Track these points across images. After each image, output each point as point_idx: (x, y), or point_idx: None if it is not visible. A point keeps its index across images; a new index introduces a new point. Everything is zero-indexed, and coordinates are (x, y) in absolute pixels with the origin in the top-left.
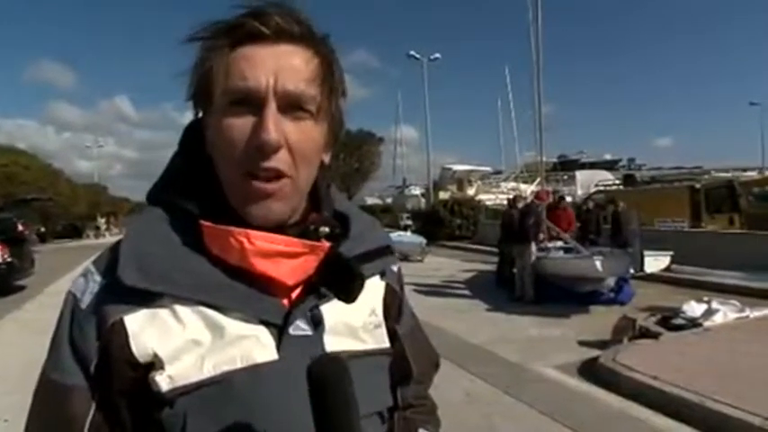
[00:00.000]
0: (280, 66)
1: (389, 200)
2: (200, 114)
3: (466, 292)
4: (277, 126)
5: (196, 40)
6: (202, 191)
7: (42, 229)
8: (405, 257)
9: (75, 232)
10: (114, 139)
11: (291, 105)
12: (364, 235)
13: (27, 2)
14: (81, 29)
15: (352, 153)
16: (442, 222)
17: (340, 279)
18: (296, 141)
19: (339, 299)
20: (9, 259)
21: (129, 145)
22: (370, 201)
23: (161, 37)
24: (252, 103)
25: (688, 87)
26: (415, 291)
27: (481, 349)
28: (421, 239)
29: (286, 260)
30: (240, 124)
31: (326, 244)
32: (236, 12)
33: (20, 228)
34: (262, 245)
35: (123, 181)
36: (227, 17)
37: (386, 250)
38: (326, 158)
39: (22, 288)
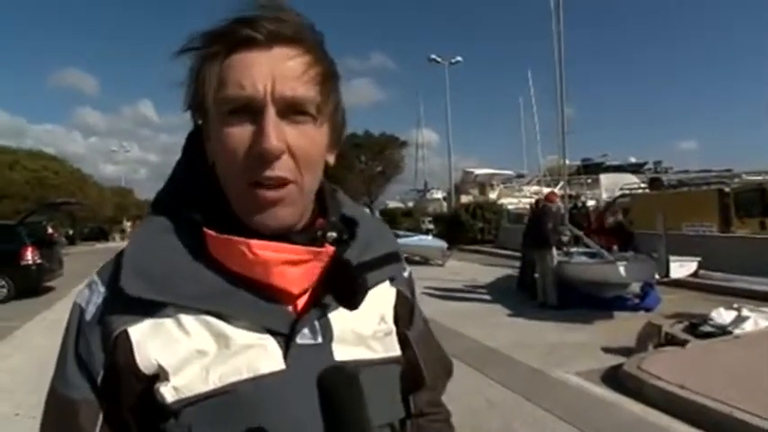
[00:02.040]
0: (275, 70)
1: (411, 203)
2: (200, 123)
3: (487, 296)
4: (278, 132)
5: (188, 51)
6: (206, 198)
7: (71, 232)
8: (426, 261)
9: (102, 235)
10: (138, 143)
11: (291, 110)
12: (372, 240)
13: (51, 10)
14: (102, 35)
15: (375, 156)
16: (464, 226)
17: (343, 285)
18: (298, 146)
19: (342, 306)
20: (39, 261)
21: (153, 149)
22: (392, 204)
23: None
24: (251, 110)
25: (715, 88)
26: (436, 295)
27: (502, 354)
28: (442, 243)
29: (290, 268)
30: (240, 133)
31: (331, 249)
32: (225, 19)
33: (50, 231)
34: (264, 254)
35: (148, 184)
36: (217, 25)
37: (394, 257)
38: (331, 159)
39: (51, 289)
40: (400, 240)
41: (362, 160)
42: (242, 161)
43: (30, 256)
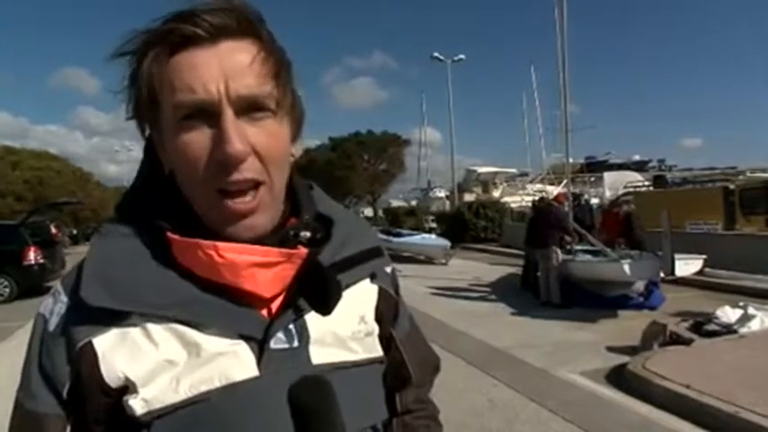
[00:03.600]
0: (226, 68)
1: (414, 202)
2: (147, 132)
3: (491, 295)
4: (239, 134)
5: (125, 54)
6: (171, 201)
7: (74, 232)
8: (429, 260)
9: None
10: (140, 143)
11: (249, 107)
12: (350, 237)
13: (50, 11)
14: (102, 35)
15: (378, 155)
16: (467, 225)
17: (316, 290)
18: (262, 145)
19: (315, 311)
20: (42, 261)
21: None
22: (396, 203)
23: None
24: (206, 114)
25: (720, 86)
26: (439, 294)
27: (505, 354)
28: (445, 242)
29: (261, 270)
30: (199, 139)
31: (304, 251)
32: (162, 17)
33: (53, 230)
34: (232, 257)
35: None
36: (154, 24)
37: (374, 252)
38: (296, 151)
39: None
40: (404, 239)
41: (365, 159)
42: (204, 169)
43: (32, 256)
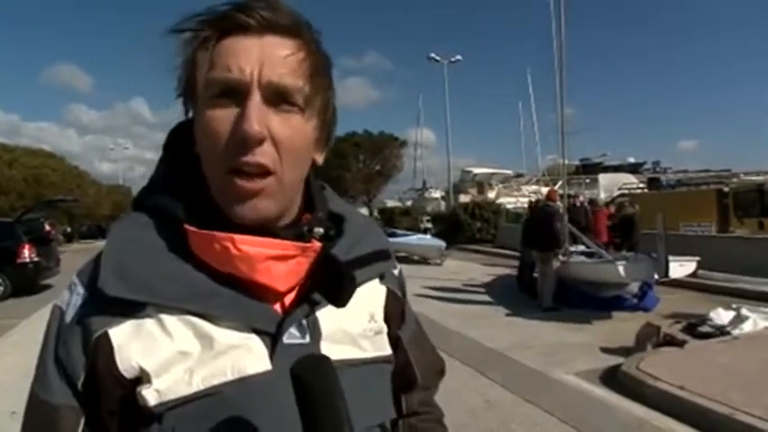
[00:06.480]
0: (265, 56)
1: (409, 202)
2: (190, 113)
3: (486, 296)
4: (260, 117)
5: (178, 31)
6: (189, 194)
7: (68, 230)
8: (424, 260)
9: (100, 233)
10: (133, 141)
11: (278, 98)
12: (360, 237)
13: (42, 6)
14: (94, 32)
15: (373, 156)
16: (462, 225)
17: (331, 282)
18: (282, 135)
19: (330, 303)
20: (36, 258)
21: (149, 147)
22: (391, 203)
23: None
24: (236, 94)
25: (714, 90)
26: (434, 294)
27: (500, 355)
28: (440, 242)
29: (276, 264)
30: (223, 117)
31: (318, 244)
32: (219, 5)
33: (47, 228)
34: (248, 249)
35: (146, 183)
36: (210, 10)
37: (383, 254)
38: (319, 159)
39: (48, 287)
40: (399, 239)
41: (361, 159)
42: (222, 146)
43: (26, 253)
